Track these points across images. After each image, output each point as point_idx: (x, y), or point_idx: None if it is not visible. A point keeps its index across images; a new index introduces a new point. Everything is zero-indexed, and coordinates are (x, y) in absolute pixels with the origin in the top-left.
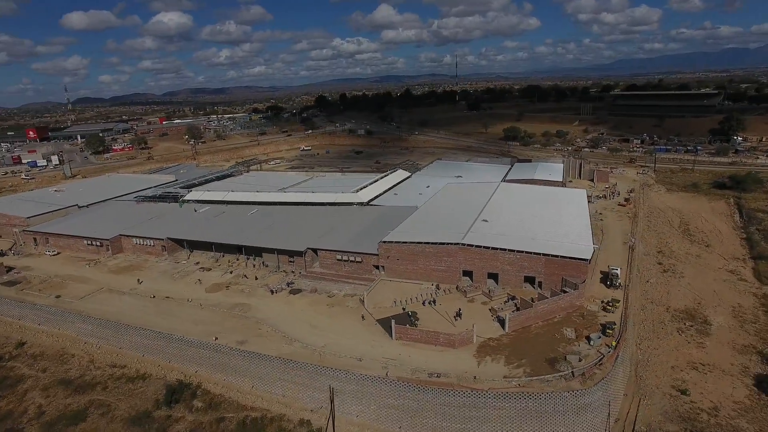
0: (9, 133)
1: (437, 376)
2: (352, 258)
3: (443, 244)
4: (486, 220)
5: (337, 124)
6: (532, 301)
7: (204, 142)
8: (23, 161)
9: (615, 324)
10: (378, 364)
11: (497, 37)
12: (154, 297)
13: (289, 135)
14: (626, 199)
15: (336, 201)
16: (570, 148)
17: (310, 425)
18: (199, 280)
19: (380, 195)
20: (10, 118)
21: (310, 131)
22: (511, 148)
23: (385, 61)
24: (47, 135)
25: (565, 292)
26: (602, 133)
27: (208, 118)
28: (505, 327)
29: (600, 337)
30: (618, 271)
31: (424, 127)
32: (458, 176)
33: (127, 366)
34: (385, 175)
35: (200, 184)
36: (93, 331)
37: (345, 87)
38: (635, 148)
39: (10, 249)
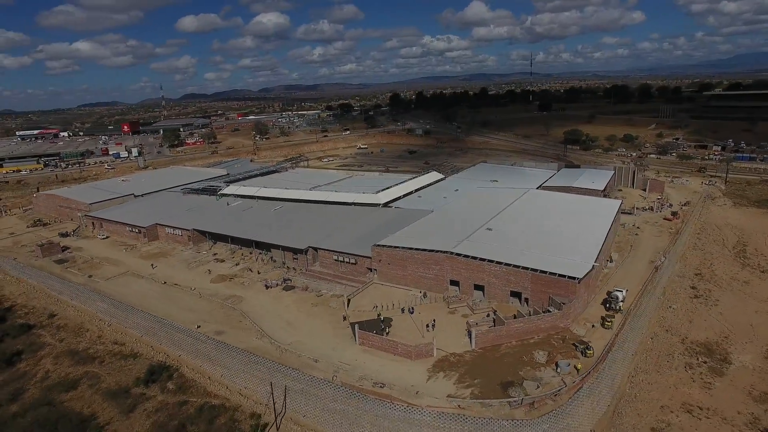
0: (109, 127)
1: (381, 386)
2: (347, 259)
3: (431, 251)
4: (490, 229)
5: (399, 123)
6: (514, 317)
7: (268, 138)
8: (110, 153)
9: (591, 348)
10: (332, 368)
11: (595, 32)
12: (165, 283)
13: (349, 133)
14: (674, 213)
15: (355, 201)
16: (634, 154)
17: (258, 419)
18: (209, 270)
19: (402, 197)
20: (128, 113)
21: (366, 130)
22: (569, 153)
23: (475, 58)
24: (138, 129)
25: (549, 311)
26: (677, 138)
27: (281, 114)
28: (472, 343)
29: (569, 365)
30: (622, 294)
31: (485, 128)
32: (494, 180)
33: (126, 344)
34: (416, 177)
35: (244, 179)
36: (107, 310)
37: (433, 85)
38: (712, 156)
39: (74, 231)
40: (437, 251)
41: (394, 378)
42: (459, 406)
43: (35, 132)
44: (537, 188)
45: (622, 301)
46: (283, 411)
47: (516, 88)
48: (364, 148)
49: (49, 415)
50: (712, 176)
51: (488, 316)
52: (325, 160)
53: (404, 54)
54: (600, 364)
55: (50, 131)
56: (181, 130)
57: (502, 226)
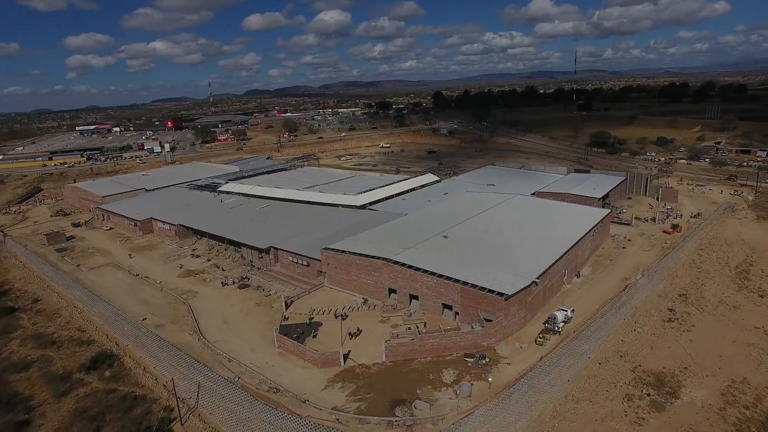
0: (156, 123)
1: (275, 391)
2: (301, 261)
3: (371, 257)
4: (446, 237)
5: (428, 122)
6: (441, 331)
7: (296, 136)
8: (145, 148)
9: (485, 357)
10: (240, 368)
11: (670, 26)
12: (137, 275)
13: (375, 130)
14: (674, 226)
15: (335, 202)
16: (661, 159)
17: (170, 412)
18: (180, 265)
19: (384, 199)
20: (194, 108)
21: (391, 129)
22: (594, 156)
23: (539, 55)
24: (181, 125)
25: (473, 328)
26: (718, 142)
27: (318, 112)
28: (383, 355)
29: (471, 386)
30: (564, 314)
31: (512, 129)
32: (490, 184)
33: (86, 332)
34: (410, 179)
35: (248, 176)
36: (81, 298)
37: (494, 83)
38: (751, 162)
39: (86, 222)
40: (376, 258)
41: (293, 384)
42: (337, 419)
43: (92, 127)
44: (531, 194)
45: (563, 322)
46: (196, 407)
47: (577, 86)
48: (387, 147)
49: None
50: (742, 185)
51: (409, 329)
52: (343, 158)
53: (465, 51)
54: (507, 389)
55: (105, 126)
56: (219, 126)
57: (461, 233)
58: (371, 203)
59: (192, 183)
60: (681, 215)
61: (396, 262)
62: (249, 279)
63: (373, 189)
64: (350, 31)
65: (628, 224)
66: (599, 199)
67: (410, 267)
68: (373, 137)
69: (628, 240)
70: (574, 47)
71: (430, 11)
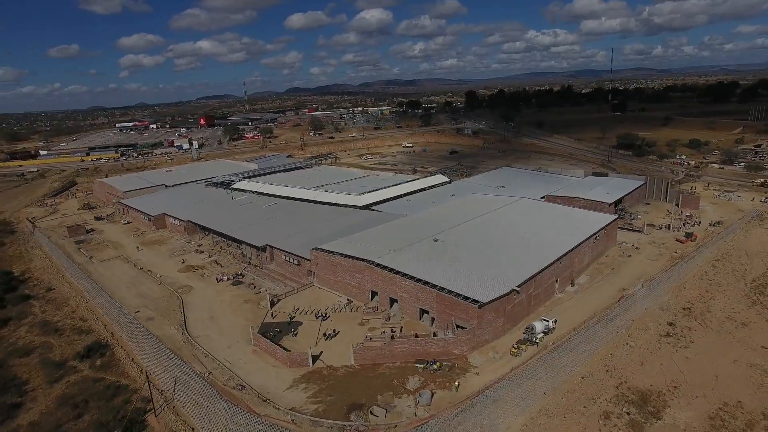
0: (190, 120)
1: (241, 388)
2: (293, 260)
3: (355, 259)
4: (437, 240)
5: (453, 122)
6: (416, 336)
7: (321, 134)
8: (174, 144)
9: (440, 366)
10: (213, 364)
11: (727, 21)
12: (141, 269)
13: (401, 129)
14: (688, 234)
15: (338, 202)
16: (691, 163)
17: (147, 403)
18: (183, 260)
19: (388, 200)
20: (234, 105)
21: (415, 129)
22: (621, 159)
23: (583, 53)
24: (213, 122)
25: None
26: (758, 145)
27: (348, 110)
28: (351, 359)
29: (433, 395)
30: (543, 324)
31: (538, 129)
32: (500, 186)
33: (87, 321)
34: (419, 179)
35: (264, 174)
36: (88, 289)
37: (536, 81)
38: None
39: (108, 216)
40: (359, 259)
41: (260, 382)
42: (292, 420)
43: (130, 124)
44: (541, 197)
45: (543, 332)
46: (172, 399)
47: (621, 84)
48: (410, 146)
49: None
50: None
51: (384, 333)
52: (364, 157)
53: (507, 49)
54: (469, 399)
55: (142, 124)
56: (249, 124)
57: (454, 237)
58: (374, 204)
59: (209, 180)
60: (699, 223)
61: (377, 265)
62: (243, 276)
63: (379, 189)
64: (391, 30)
65: (639, 231)
66: (610, 205)
67: (390, 270)
68: (396, 136)
69: (636, 248)
70: (620, 45)
71: (472, 9)
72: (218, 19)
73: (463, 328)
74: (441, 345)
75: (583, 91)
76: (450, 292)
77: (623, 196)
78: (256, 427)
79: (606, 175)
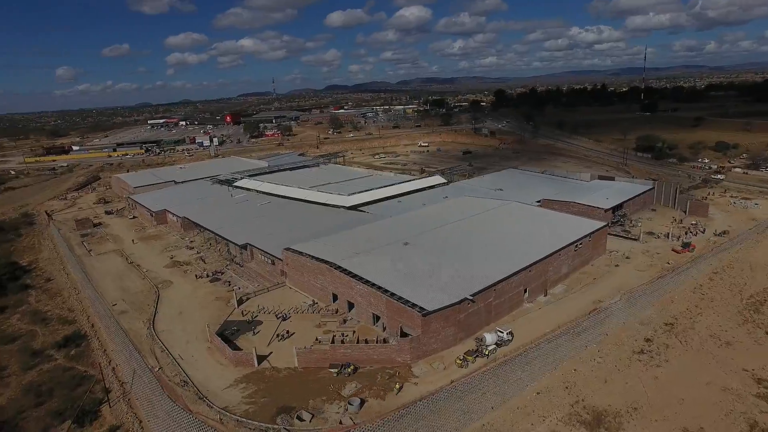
0: (217, 117)
1: (183, 384)
2: (268, 259)
3: (317, 260)
4: (407, 243)
5: (473, 122)
6: (366, 342)
7: (340, 133)
8: (195, 141)
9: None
10: (167, 359)
11: None
12: (131, 263)
13: (419, 128)
14: (686, 244)
15: (327, 202)
16: (713, 167)
17: (107, 395)
18: (172, 256)
19: (379, 201)
20: (271, 102)
21: (432, 129)
22: (633, 161)
23: (628, 51)
24: (239, 120)
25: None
26: None
27: (371, 108)
28: (295, 360)
29: (363, 402)
30: (496, 336)
31: (558, 130)
32: (498, 189)
33: (74, 311)
34: (415, 180)
35: (268, 173)
36: (80, 281)
37: (577, 79)
38: None
39: (118, 210)
40: (321, 261)
41: (203, 379)
42: (220, 419)
43: (161, 121)
44: (537, 201)
45: (495, 344)
46: (130, 392)
47: (668, 83)
48: (425, 146)
49: None
50: None
51: (334, 336)
52: (377, 156)
53: (548, 47)
54: (398, 410)
55: (172, 120)
56: (273, 122)
57: (426, 241)
58: (362, 204)
59: (214, 177)
60: (703, 231)
61: (337, 267)
62: (223, 273)
63: (371, 190)
64: (430, 27)
65: (635, 239)
66: (607, 210)
67: (347, 273)
68: (413, 136)
69: (627, 258)
70: (669, 41)
71: (513, 6)
72: (260, 17)
73: (408, 335)
74: (384, 352)
75: (619, 90)
76: (399, 298)
77: (623, 202)
78: (188, 423)
79: (612, 179)
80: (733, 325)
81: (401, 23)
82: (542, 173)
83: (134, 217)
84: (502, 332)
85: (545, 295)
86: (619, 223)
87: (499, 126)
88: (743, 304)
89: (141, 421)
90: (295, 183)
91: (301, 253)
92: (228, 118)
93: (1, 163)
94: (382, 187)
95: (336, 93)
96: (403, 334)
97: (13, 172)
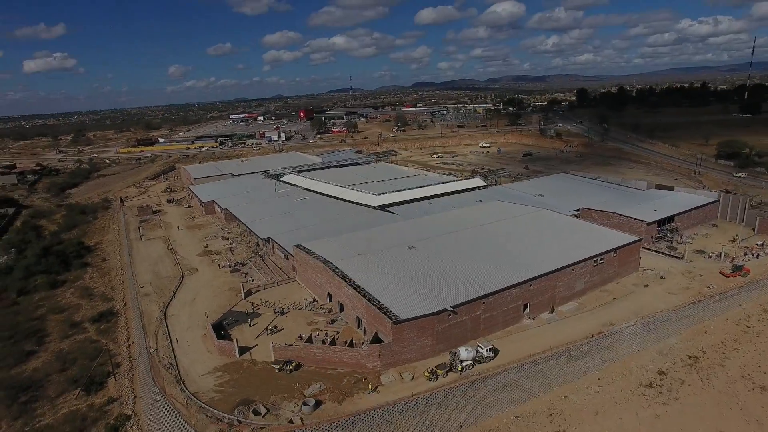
0: (292, 113)
1: (169, 367)
2: (283, 254)
3: (317, 258)
4: (412, 247)
5: (541, 122)
6: (345, 344)
7: (404, 131)
8: (264, 136)
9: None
10: (164, 342)
11: None
12: (169, 249)
13: (485, 128)
14: (737, 268)
15: (357, 201)
16: None
17: (116, 367)
18: (206, 245)
19: (407, 202)
20: (362, 98)
21: (496, 129)
22: (710, 169)
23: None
24: (312, 116)
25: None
26: None
27: (444, 107)
28: (271, 355)
29: (319, 404)
30: (474, 352)
31: (633, 132)
32: (539, 195)
33: (115, 290)
34: (452, 182)
35: (320, 169)
36: (128, 263)
37: (684, 77)
38: None
39: (178, 199)
40: (320, 259)
41: (187, 365)
42: (186, 404)
43: (241, 116)
44: (575, 210)
45: (472, 361)
46: (134, 368)
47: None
48: (486, 146)
49: (18, 320)
50: None
51: (317, 335)
52: (435, 156)
53: (652, 42)
54: (349, 416)
55: (251, 116)
56: (343, 118)
57: (435, 246)
58: (391, 204)
59: (268, 171)
60: (765, 253)
61: (332, 267)
62: (244, 265)
63: (404, 190)
64: (522, 24)
65: (679, 258)
66: (650, 224)
67: (338, 273)
68: (476, 135)
69: (661, 277)
70: None
71: None
72: (351, 15)
73: (381, 342)
74: (354, 356)
75: (715, 88)
76: (377, 303)
77: (674, 215)
78: (161, 404)
79: (672, 188)
80: None
81: (492, 19)
82: (595, 179)
83: (189, 206)
84: (482, 348)
85: (551, 312)
86: (666, 238)
87: (568, 127)
88: None
89: (135, 396)
90: (337, 180)
91: (307, 250)
92: (302, 113)
93: (102, 153)
94: (416, 188)
95: (423, 90)
96: (379, 341)
97: (107, 161)
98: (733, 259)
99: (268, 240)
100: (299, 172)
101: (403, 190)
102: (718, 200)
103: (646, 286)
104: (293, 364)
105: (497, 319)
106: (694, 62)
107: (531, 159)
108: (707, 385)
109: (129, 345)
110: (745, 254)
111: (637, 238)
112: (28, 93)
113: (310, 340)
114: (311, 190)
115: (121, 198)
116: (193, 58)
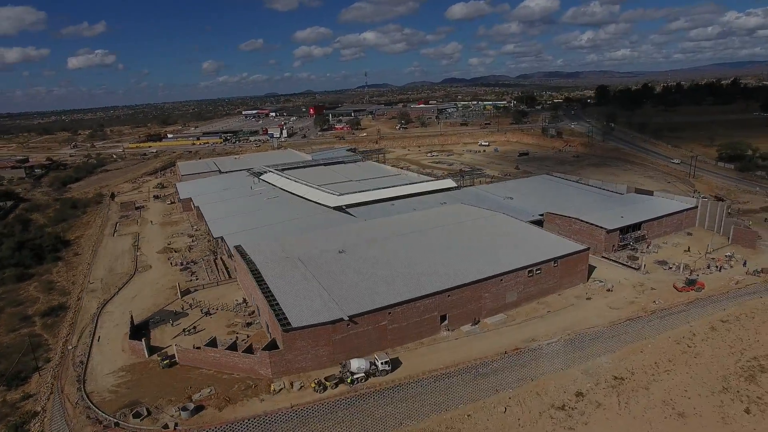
0: (303, 110)
1: (80, 364)
2: (228, 254)
3: (244, 260)
4: (342, 251)
5: (546, 121)
6: (259, 349)
7: (406, 128)
8: (268, 133)
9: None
10: (86, 339)
11: None
12: (134, 244)
13: (488, 126)
14: (691, 282)
15: (319, 201)
16: None
17: (47, 363)
18: (170, 242)
19: (369, 203)
20: (384, 95)
21: (497, 127)
22: (706, 172)
23: None
24: (322, 112)
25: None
26: None
27: (455, 104)
28: (176, 356)
29: (197, 410)
30: (368, 364)
31: (640, 132)
32: (509, 197)
33: (75, 284)
34: (423, 182)
35: (303, 167)
36: (90, 259)
37: (727, 72)
38: None
39: (165, 195)
40: (246, 261)
41: (96, 363)
42: (76, 402)
43: (253, 112)
44: (539, 215)
45: (364, 374)
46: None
47: None
48: (485, 145)
49: None
50: None
51: (233, 338)
52: (431, 155)
53: (694, 36)
54: (218, 425)
55: (263, 112)
56: (351, 115)
57: (366, 251)
58: (351, 205)
59: (251, 169)
60: (730, 266)
61: (252, 269)
62: (195, 263)
63: (369, 190)
64: (556, 18)
65: (637, 269)
66: (610, 231)
67: (255, 276)
68: (477, 134)
69: (609, 290)
70: None
71: None
72: (382, 11)
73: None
74: (248, 362)
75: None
76: (276, 308)
77: (642, 222)
78: (56, 402)
79: (651, 193)
80: (706, 392)
81: (525, 14)
82: (577, 181)
83: (172, 203)
84: (378, 360)
85: (473, 325)
86: (630, 246)
87: (572, 126)
88: (737, 367)
89: (52, 393)
90: (315, 179)
91: (242, 251)
92: (312, 110)
93: (111, 148)
94: (383, 189)
95: (452, 86)
96: (276, 347)
97: (114, 156)
98: (692, 271)
99: (220, 239)
100: (282, 170)
101: (370, 190)
102: (697, 206)
103: (589, 299)
104: (167, 361)
105: (408, 330)
106: (740, 57)
107: (526, 159)
108: (623, 410)
109: (66, 341)
110: (708, 266)
111: (583, 248)
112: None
113: (213, 344)
114: (283, 189)
115: (112, 193)
116: (226, 54)
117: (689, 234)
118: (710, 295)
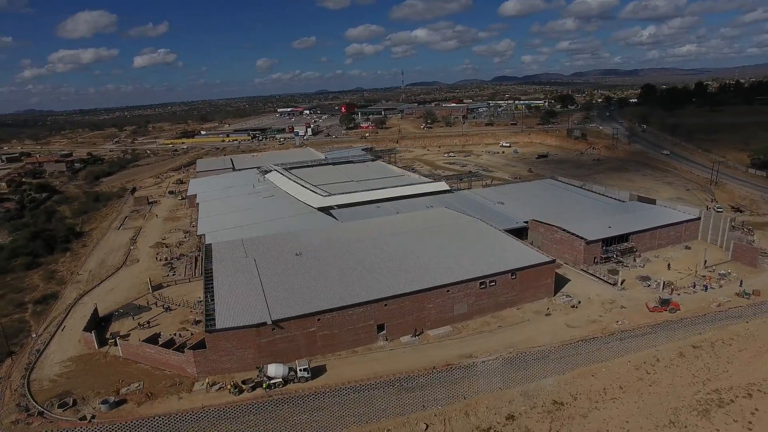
0: (335, 108)
1: (37, 353)
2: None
3: (208, 260)
4: (299, 254)
5: (574, 122)
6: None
7: (431, 127)
8: (294, 130)
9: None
10: (52, 328)
11: None
12: (132, 239)
13: (515, 126)
14: (665, 302)
15: (306, 201)
16: None
17: (10, 350)
18: (164, 237)
19: (354, 205)
20: (431, 92)
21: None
22: (731, 179)
23: None
24: (354, 110)
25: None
26: None
27: (489, 103)
28: (119, 351)
29: (117, 404)
30: (285, 370)
31: (671, 135)
32: (500, 202)
33: (72, 274)
34: (413, 184)
35: (311, 166)
36: (90, 251)
37: None
38: None
39: (179, 191)
40: (209, 260)
41: (51, 352)
42: (15, 389)
43: (288, 110)
44: (524, 222)
45: (281, 380)
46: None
47: None
48: (506, 146)
49: None
50: None
51: (175, 334)
52: (448, 155)
53: None
54: (131, 420)
55: (298, 109)
56: (382, 114)
57: (325, 255)
58: (333, 207)
59: (262, 167)
60: (719, 286)
61: (207, 268)
62: (179, 259)
63: (360, 191)
64: (615, 14)
65: (613, 285)
66: (590, 242)
67: (206, 275)
68: (500, 135)
69: (573, 306)
70: None
71: None
72: (434, 8)
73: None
74: (177, 360)
75: None
76: (210, 310)
77: (630, 233)
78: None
79: (653, 202)
80: (650, 425)
81: (581, 10)
82: (581, 187)
83: (183, 198)
84: (297, 367)
85: (414, 336)
86: (614, 259)
87: (600, 128)
88: (693, 399)
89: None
90: (316, 179)
91: (208, 249)
92: (343, 108)
93: (149, 143)
94: (372, 190)
95: (503, 84)
96: (204, 347)
97: (148, 152)
98: (673, 290)
99: (203, 236)
100: (288, 169)
101: (359, 191)
102: (700, 218)
103: (549, 315)
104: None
105: (341, 337)
106: None
107: (544, 162)
108: None
109: (45, 328)
110: (694, 285)
111: (548, 260)
112: (137, 86)
113: (153, 340)
114: (281, 189)
115: (133, 188)
116: (279, 52)
117: (687, 248)
118: (684, 318)
